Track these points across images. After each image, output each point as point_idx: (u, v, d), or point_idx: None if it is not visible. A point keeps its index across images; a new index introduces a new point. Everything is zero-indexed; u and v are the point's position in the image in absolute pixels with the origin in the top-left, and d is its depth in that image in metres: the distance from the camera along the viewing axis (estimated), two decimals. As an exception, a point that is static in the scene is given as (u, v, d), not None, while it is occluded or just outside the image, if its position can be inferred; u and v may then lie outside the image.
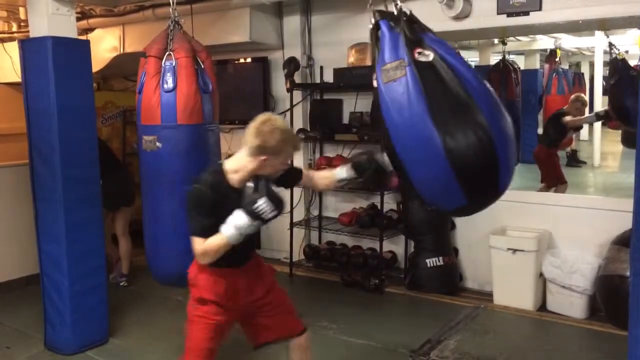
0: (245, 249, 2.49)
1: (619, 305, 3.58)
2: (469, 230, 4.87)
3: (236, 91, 5.69)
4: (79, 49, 3.73)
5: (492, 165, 2.18)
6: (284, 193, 2.42)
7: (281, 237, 5.65)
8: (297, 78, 5.27)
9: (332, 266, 5.29)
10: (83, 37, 4.79)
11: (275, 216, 2.26)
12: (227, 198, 2.32)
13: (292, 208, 5.36)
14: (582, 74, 12.72)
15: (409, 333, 4.00)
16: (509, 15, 4.32)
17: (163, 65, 3.01)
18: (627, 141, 7.26)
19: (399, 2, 2.36)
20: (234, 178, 2.36)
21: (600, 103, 9.04)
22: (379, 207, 4.95)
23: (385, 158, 2.46)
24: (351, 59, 5.09)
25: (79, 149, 3.68)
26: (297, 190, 5.45)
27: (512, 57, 7.65)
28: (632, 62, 11.71)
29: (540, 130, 9.02)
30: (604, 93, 8.26)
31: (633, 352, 2.09)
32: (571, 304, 4.23)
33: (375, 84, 2.31)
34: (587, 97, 11.02)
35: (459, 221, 4.93)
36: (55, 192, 3.63)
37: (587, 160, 9.75)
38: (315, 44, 5.51)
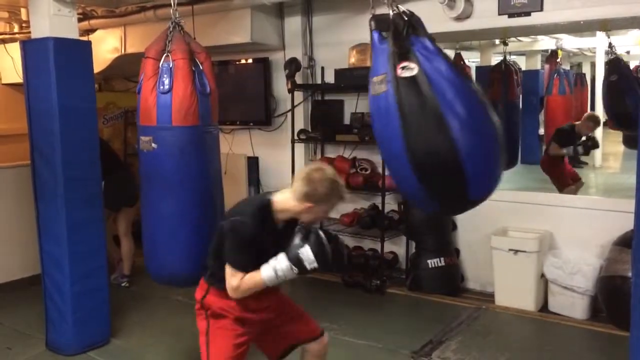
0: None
1: (620, 306, 3.57)
2: (470, 231, 4.87)
3: (237, 92, 5.70)
4: (81, 50, 3.73)
5: (458, 179, 2.25)
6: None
7: (282, 237, 5.65)
8: (298, 79, 5.27)
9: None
10: (84, 38, 4.79)
11: (317, 269, 2.24)
12: (270, 235, 2.34)
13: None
14: (584, 74, 12.72)
15: (410, 334, 4.00)
16: (510, 15, 4.32)
17: (160, 66, 3.01)
18: (629, 142, 7.27)
19: (392, 10, 2.33)
20: (279, 217, 2.37)
21: (602, 104, 9.04)
22: (380, 207, 4.95)
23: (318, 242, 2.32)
24: (352, 60, 5.08)
25: (81, 149, 3.69)
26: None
27: (513, 58, 7.66)
28: (634, 63, 11.72)
29: (541, 131, 9.03)
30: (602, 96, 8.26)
31: (635, 353, 2.09)
32: (573, 305, 4.22)
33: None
34: (588, 98, 11.03)
35: (461, 222, 4.93)
36: (56, 193, 3.63)
37: (589, 161, 9.73)
38: (316, 44, 5.51)
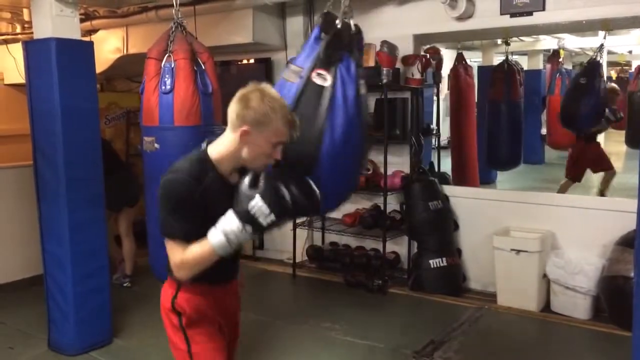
0: (235, 259, 2.05)
1: (622, 306, 3.57)
2: (472, 231, 4.86)
3: (239, 92, 5.69)
4: (83, 50, 3.74)
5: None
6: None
7: (284, 237, 5.64)
8: (300, 79, 5.26)
9: (335, 267, 5.29)
10: (87, 39, 4.80)
11: (276, 223, 1.78)
12: (220, 194, 1.85)
13: (295, 209, 5.35)
14: (586, 74, 12.68)
15: (412, 334, 4.00)
16: (512, 15, 4.32)
17: (162, 67, 3.02)
18: (631, 142, 7.25)
19: (344, 19, 2.32)
20: (225, 168, 1.89)
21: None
22: (382, 207, 4.95)
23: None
24: (354, 60, 5.08)
25: (83, 149, 3.69)
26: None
27: (515, 58, 7.64)
28: (636, 63, 11.68)
29: (543, 131, 9.01)
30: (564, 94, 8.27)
31: (637, 353, 2.09)
32: (575, 305, 4.22)
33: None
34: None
35: (463, 222, 4.93)
36: (58, 193, 3.64)
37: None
38: (318, 44, 5.50)
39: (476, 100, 7.67)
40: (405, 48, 4.92)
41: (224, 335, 2.07)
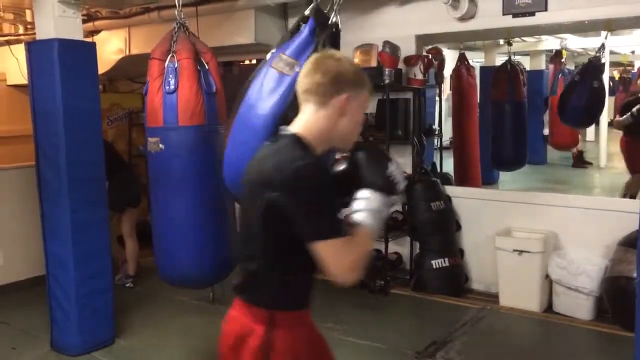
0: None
1: (625, 307, 3.56)
2: (474, 232, 4.86)
3: (241, 93, 5.69)
4: (85, 51, 3.74)
5: None
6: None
7: (286, 238, 5.65)
8: (302, 79, 5.26)
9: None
10: (89, 39, 4.80)
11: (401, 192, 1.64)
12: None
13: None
14: (588, 74, 12.66)
15: (414, 334, 3.99)
16: (515, 15, 4.32)
17: (166, 67, 3.02)
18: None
19: (335, 17, 2.35)
20: (318, 152, 1.61)
21: (606, 104, 9.02)
22: (384, 208, 4.93)
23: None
24: (356, 60, 5.07)
25: (85, 150, 3.69)
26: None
27: (517, 58, 7.63)
28: (638, 63, 11.65)
29: (546, 131, 9.00)
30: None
31: (639, 354, 2.09)
32: (577, 306, 4.21)
33: (267, 57, 2.34)
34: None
35: (465, 222, 4.92)
36: (61, 194, 3.64)
37: (594, 161, 9.71)
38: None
39: (478, 101, 7.66)
40: (408, 48, 4.92)
41: None
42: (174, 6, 3.19)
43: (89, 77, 3.75)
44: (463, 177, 7.05)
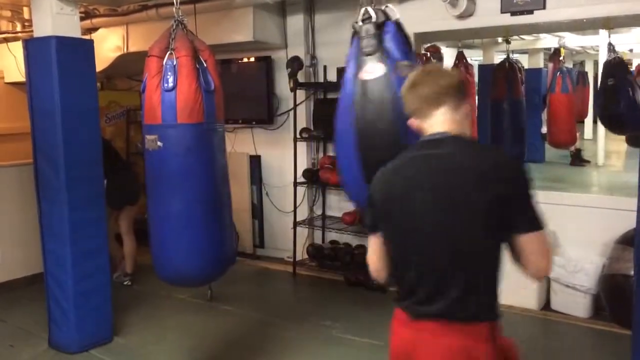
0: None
1: (622, 305, 3.57)
2: (472, 230, 4.85)
3: (239, 90, 5.69)
4: (83, 49, 3.74)
5: None
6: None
7: (284, 236, 5.65)
8: (301, 77, 5.26)
9: (335, 265, 5.29)
10: (87, 37, 4.80)
11: None
12: None
13: (295, 207, 5.36)
14: (586, 72, 12.69)
15: (413, 332, 3.99)
16: (513, 14, 4.31)
17: (164, 64, 3.01)
18: (632, 140, 7.24)
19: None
20: None
21: (594, 105, 9.04)
22: (383, 206, 4.94)
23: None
24: (354, 58, 5.08)
25: (83, 148, 3.69)
26: (301, 190, 5.45)
27: (515, 56, 7.63)
28: (637, 61, 11.66)
29: (544, 129, 9.00)
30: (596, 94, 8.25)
31: (637, 351, 2.09)
32: (575, 303, 4.22)
33: (371, 72, 2.35)
34: (590, 96, 11.01)
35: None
36: (59, 192, 3.64)
37: (591, 159, 9.71)
38: (318, 43, 5.50)
39: (476, 99, 7.66)
40: (406, 46, 4.91)
41: None
42: (172, 3, 3.17)
43: (87, 75, 3.75)
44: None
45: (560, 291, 4.29)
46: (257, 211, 6.00)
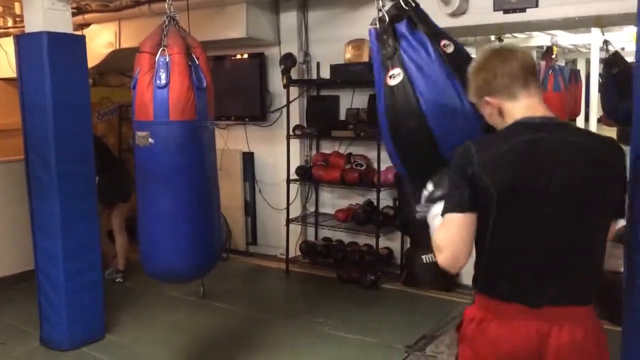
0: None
1: (613, 301, 3.59)
2: (464, 227, 4.87)
3: (232, 87, 5.69)
4: (75, 45, 3.72)
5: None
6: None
7: (277, 233, 5.65)
8: (294, 74, 5.26)
9: (328, 262, 5.30)
10: (79, 33, 4.77)
11: None
12: None
13: (288, 204, 5.36)
14: (578, 70, 12.73)
15: (405, 329, 4.01)
16: (506, 11, 4.32)
17: (157, 61, 3.00)
18: (624, 138, 7.27)
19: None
20: None
21: (596, 100, 9.07)
22: (375, 203, 4.96)
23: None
24: (348, 55, 5.08)
25: (74, 144, 3.68)
26: (294, 187, 5.46)
27: (508, 54, 7.64)
28: (628, 59, 11.72)
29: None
30: (600, 90, 8.26)
31: (626, 348, 2.11)
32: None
33: (394, 77, 2.35)
34: (583, 94, 11.05)
35: (455, 217, 4.93)
36: (50, 188, 3.62)
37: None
38: (312, 40, 5.50)
39: (469, 97, 7.67)
40: (399, 44, 4.91)
41: None
42: (165, -1, 3.16)
43: (79, 71, 3.73)
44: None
45: (551, 288, 4.31)
46: (250, 208, 6.00)
